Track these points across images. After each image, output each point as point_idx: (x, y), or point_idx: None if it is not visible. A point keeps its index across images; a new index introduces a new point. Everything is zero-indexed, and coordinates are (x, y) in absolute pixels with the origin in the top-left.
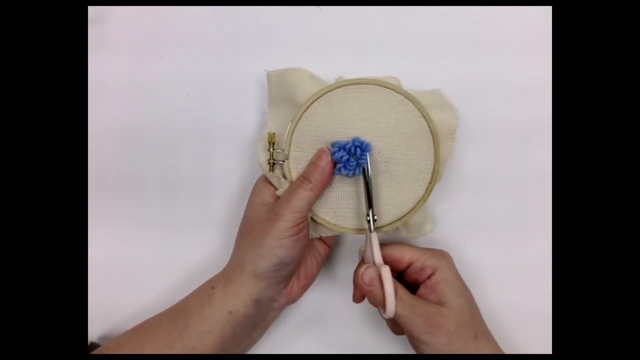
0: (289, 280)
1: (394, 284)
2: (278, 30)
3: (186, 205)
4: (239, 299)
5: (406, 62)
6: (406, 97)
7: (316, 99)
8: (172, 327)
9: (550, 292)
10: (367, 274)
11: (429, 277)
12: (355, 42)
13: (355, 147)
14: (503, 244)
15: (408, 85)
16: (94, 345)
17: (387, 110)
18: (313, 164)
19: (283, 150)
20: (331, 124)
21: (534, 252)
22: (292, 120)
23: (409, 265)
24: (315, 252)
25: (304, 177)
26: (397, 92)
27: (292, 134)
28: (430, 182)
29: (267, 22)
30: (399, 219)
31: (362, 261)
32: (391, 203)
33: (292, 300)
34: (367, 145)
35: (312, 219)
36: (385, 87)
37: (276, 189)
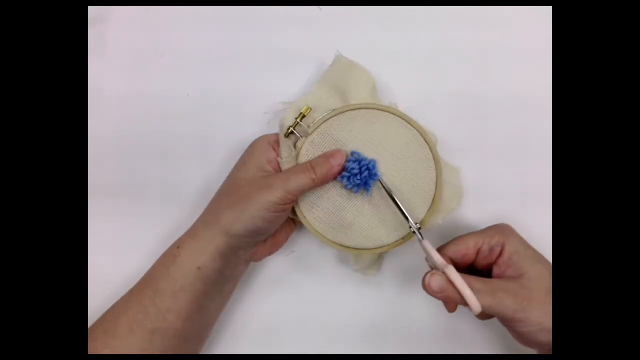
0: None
1: (465, 278)
2: (278, 30)
3: (187, 208)
4: (207, 253)
5: (404, 67)
6: (433, 156)
7: (364, 108)
8: (143, 295)
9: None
10: (434, 281)
11: (499, 254)
12: (352, 44)
13: (367, 168)
14: None
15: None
16: None
17: (414, 154)
18: (325, 157)
19: (309, 127)
20: (362, 136)
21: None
22: (333, 110)
23: (477, 254)
24: (286, 226)
25: (312, 166)
26: (427, 143)
27: (325, 121)
28: (408, 233)
29: (267, 22)
30: (364, 249)
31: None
32: (364, 234)
33: (256, 260)
34: (375, 175)
35: None
36: (421, 133)
37: (277, 155)
